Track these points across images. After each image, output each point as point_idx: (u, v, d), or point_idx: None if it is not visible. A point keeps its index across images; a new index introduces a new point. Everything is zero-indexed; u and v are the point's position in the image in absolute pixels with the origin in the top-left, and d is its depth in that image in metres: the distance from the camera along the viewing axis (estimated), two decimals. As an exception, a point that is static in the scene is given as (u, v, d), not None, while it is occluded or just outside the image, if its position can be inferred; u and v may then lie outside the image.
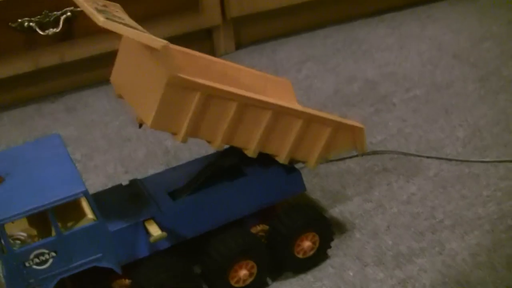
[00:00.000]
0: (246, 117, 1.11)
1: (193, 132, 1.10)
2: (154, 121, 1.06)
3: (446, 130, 1.65)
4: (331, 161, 1.56)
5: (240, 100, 1.09)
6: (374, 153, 1.58)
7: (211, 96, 1.07)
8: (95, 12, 1.02)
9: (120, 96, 1.19)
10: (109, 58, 2.07)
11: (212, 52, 2.23)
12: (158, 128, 1.08)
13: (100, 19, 0.99)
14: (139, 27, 1.12)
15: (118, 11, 1.13)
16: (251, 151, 1.15)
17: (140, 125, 1.21)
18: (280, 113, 1.13)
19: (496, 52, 2.03)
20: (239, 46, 2.26)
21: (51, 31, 1.89)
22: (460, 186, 1.44)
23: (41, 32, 1.88)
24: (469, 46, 2.08)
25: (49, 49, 1.97)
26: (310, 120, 1.16)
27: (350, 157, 1.57)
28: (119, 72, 1.19)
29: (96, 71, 2.10)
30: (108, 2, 1.17)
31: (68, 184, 1.03)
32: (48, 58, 1.99)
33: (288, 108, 1.13)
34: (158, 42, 0.99)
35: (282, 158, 1.18)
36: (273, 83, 1.33)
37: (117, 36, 1.91)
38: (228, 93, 1.08)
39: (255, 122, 1.12)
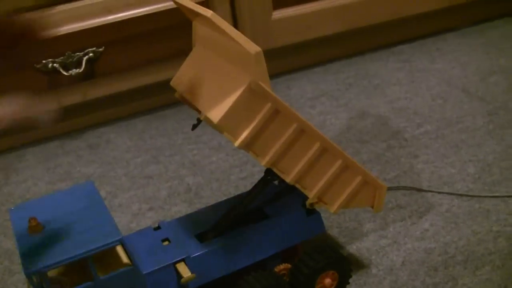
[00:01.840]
0: (298, 142, 1.17)
1: (250, 141, 1.14)
2: (222, 118, 1.10)
3: (456, 165, 1.71)
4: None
5: (299, 123, 1.15)
6: (389, 189, 1.64)
7: (278, 111, 1.13)
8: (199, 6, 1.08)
9: (181, 98, 1.24)
10: (129, 95, 2.15)
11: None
12: (222, 126, 1.11)
13: (208, 11, 1.05)
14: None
15: None
16: (289, 177, 1.20)
17: (194, 127, 1.26)
18: (326, 148, 1.19)
19: (504, 86, 2.09)
20: (254, 81, 2.32)
21: (74, 71, 1.96)
22: (471, 221, 1.50)
23: (64, 73, 1.95)
24: (477, 80, 2.15)
25: (71, 88, 2.04)
26: (347, 164, 1.22)
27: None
28: (184, 76, 1.24)
29: (116, 108, 2.18)
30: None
31: (105, 233, 1.09)
32: (71, 97, 2.06)
33: (333, 146, 1.19)
34: (253, 47, 1.05)
35: (312, 194, 1.24)
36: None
37: (140, 74, 1.98)
38: (292, 113, 1.14)
39: (304, 149, 1.18)
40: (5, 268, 1.56)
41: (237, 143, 1.13)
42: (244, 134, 1.13)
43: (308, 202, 1.24)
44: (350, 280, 1.34)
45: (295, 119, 1.14)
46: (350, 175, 1.24)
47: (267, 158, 1.17)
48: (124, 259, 1.14)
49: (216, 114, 1.11)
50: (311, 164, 1.20)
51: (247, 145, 1.14)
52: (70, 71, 1.96)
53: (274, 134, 1.15)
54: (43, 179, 1.91)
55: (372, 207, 1.31)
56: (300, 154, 1.18)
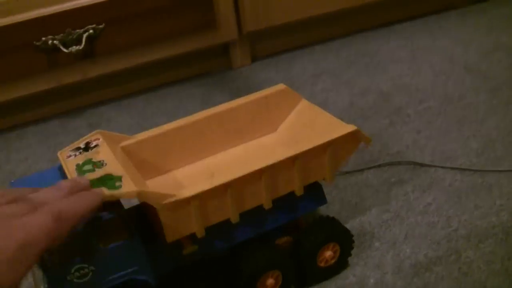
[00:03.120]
0: (244, 189, 1.16)
1: (206, 223, 1.16)
2: (168, 236, 1.13)
3: (459, 141, 1.70)
4: (349, 172, 1.62)
5: (230, 185, 1.13)
6: (391, 164, 1.63)
7: (204, 198, 1.12)
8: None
9: None
10: (129, 74, 2.15)
11: (230, 65, 2.29)
12: (177, 238, 1.14)
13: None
14: (121, 155, 1.21)
15: (99, 145, 1.20)
16: (265, 205, 1.20)
17: None
18: (273, 169, 1.17)
19: (506, 63, 2.08)
20: (254, 59, 2.32)
21: (74, 48, 1.95)
22: (474, 196, 1.50)
23: (64, 50, 1.94)
24: (479, 57, 2.14)
25: (71, 66, 2.03)
26: (303, 158, 1.19)
27: (368, 168, 1.63)
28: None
29: (117, 87, 2.17)
30: (91, 137, 1.24)
31: (105, 204, 1.08)
32: (71, 76, 2.05)
33: (279, 162, 1.16)
34: (131, 193, 1.05)
35: (298, 192, 1.23)
36: (267, 102, 1.38)
37: (140, 52, 1.97)
38: (215, 189, 1.12)
39: (255, 187, 1.17)
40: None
41: (199, 235, 1.16)
42: (197, 227, 1.14)
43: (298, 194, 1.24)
44: (353, 253, 1.33)
45: (223, 188, 1.13)
46: (315, 158, 1.21)
47: (234, 215, 1.17)
48: (126, 231, 1.13)
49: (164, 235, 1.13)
50: (273, 184, 1.19)
51: (208, 225, 1.16)
52: (70, 48, 1.94)
53: (220, 205, 1.15)
54: (44, 158, 1.91)
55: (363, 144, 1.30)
56: (256, 191, 1.17)
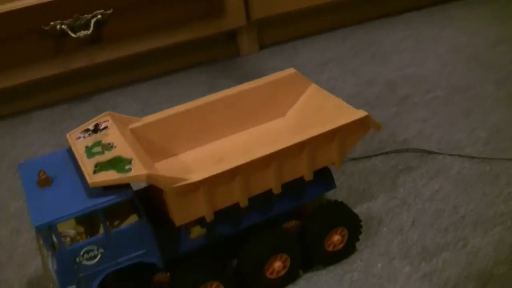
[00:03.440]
0: (253, 174, 1.16)
1: (215, 207, 1.16)
2: (177, 220, 1.13)
3: (466, 130, 1.70)
4: (356, 159, 1.62)
5: (239, 170, 1.13)
6: (398, 151, 1.63)
7: (213, 182, 1.12)
8: (87, 172, 1.09)
9: None
10: (136, 60, 2.14)
11: (237, 53, 2.28)
12: (185, 222, 1.15)
13: (89, 181, 1.06)
14: (130, 137, 1.21)
15: (108, 127, 1.20)
16: (274, 190, 1.20)
17: None
18: (282, 154, 1.17)
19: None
20: (262, 47, 2.32)
21: (82, 33, 1.95)
22: (482, 184, 1.50)
23: (72, 35, 1.93)
24: (486, 48, 2.13)
25: (79, 51, 2.03)
26: (313, 143, 1.19)
27: (376, 155, 1.63)
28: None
29: (124, 73, 2.17)
30: (100, 118, 1.24)
31: (115, 187, 1.08)
32: (78, 61, 2.05)
33: (288, 148, 1.16)
34: (140, 177, 1.06)
35: (307, 177, 1.23)
36: (276, 86, 1.38)
37: (147, 39, 1.97)
38: (225, 173, 1.12)
39: (264, 172, 1.17)
40: (13, 228, 1.56)
41: (208, 219, 1.16)
42: (206, 211, 1.15)
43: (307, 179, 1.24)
44: (360, 239, 1.33)
45: (232, 172, 1.13)
46: (325, 143, 1.21)
47: (243, 200, 1.18)
48: (135, 213, 1.13)
49: (174, 219, 1.14)
50: (282, 168, 1.19)
51: (216, 209, 1.17)
52: (78, 33, 1.94)
53: (229, 189, 1.15)
54: (49, 143, 1.91)
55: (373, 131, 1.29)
56: (264, 176, 1.18)
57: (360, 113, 1.22)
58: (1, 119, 2.08)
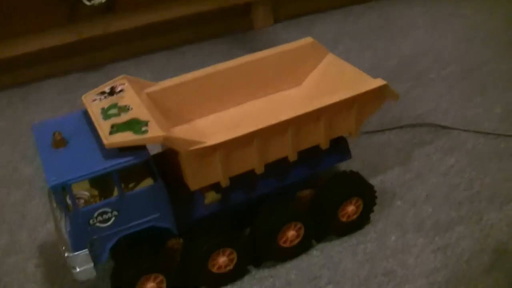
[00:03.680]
0: (270, 140, 1.15)
1: (231, 173, 1.15)
2: (192, 184, 1.12)
3: (482, 106, 1.68)
4: (371, 132, 1.60)
5: (257, 135, 1.12)
6: (413, 126, 1.62)
7: (230, 146, 1.11)
8: (103, 133, 1.08)
9: None
10: (150, 30, 2.13)
11: (251, 26, 2.27)
12: (200, 186, 1.14)
13: (104, 142, 1.05)
14: (146, 101, 1.20)
15: (124, 89, 1.18)
16: (290, 157, 1.19)
17: None
18: (300, 121, 1.16)
19: (530, 32, 2.06)
20: (276, 20, 2.30)
21: (96, 1, 1.93)
22: (497, 159, 1.48)
23: (87, 2, 1.92)
24: (503, 26, 2.11)
25: (93, 20, 2.02)
26: (331, 110, 1.18)
27: (390, 129, 1.61)
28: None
29: (137, 42, 2.15)
30: (116, 81, 1.22)
31: (132, 149, 1.07)
32: (92, 29, 2.04)
33: (306, 114, 1.15)
34: (157, 138, 1.05)
35: (324, 146, 1.22)
36: (293, 55, 1.37)
37: (162, 8, 1.96)
38: (242, 137, 1.11)
39: (281, 138, 1.16)
40: (26, 192, 1.56)
41: (223, 184, 1.15)
42: (221, 176, 1.14)
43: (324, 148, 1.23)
44: (374, 211, 1.32)
45: (249, 137, 1.12)
46: (342, 111, 1.20)
47: (259, 166, 1.17)
48: (150, 177, 1.13)
49: (188, 183, 1.13)
50: (299, 135, 1.17)
51: (232, 175, 1.16)
52: (93, 1, 1.93)
53: (245, 154, 1.14)
54: (62, 110, 1.90)
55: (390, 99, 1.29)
56: (281, 142, 1.17)
57: (379, 82, 1.21)
58: (14, 86, 2.07)
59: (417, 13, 2.26)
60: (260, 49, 1.37)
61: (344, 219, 1.28)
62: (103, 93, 1.19)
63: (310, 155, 1.23)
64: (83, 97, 1.19)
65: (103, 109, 1.14)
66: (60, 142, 1.11)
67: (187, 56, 2.14)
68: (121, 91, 1.18)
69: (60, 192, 1.06)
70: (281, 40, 2.11)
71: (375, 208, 1.33)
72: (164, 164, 1.18)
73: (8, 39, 1.98)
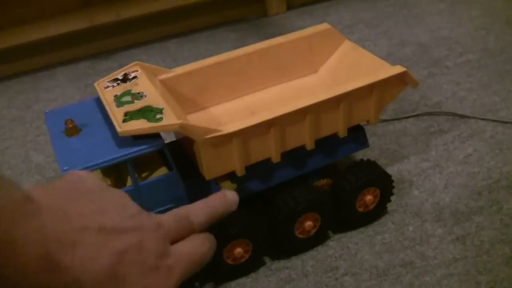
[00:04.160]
0: (287, 128, 1.12)
1: (247, 162, 1.12)
2: (207, 173, 1.10)
3: (500, 94, 1.65)
4: (388, 120, 1.58)
5: (274, 123, 1.10)
6: (430, 114, 1.59)
7: (246, 135, 1.09)
8: (116, 121, 1.05)
9: None
10: (163, 17, 2.11)
11: (265, 13, 2.24)
12: (216, 176, 1.12)
13: (118, 130, 1.02)
14: (160, 88, 1.17)
15: (138, 76, 1.16)
16: (308, 145, 1.17)
17: None
18: (318, 108, 1.13)
19: (549, 19, 2.03)
20: (290, 7, 2.28)
21: (108, -12, 1.92)
22: (516, 148, 1.46)
23: (99, -11, 1.90)
24: (521, 12, 2.08)
25: (105, 6, 2.00)
26: (349, 98, 1.15)
27: (407, 117, 1.59)
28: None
29: (149, 29, 2.14)
30: (129, 68, 1.20)
31: (146, 137, 1.05)
32: (104, 16, 2.02)
33: (325, 101, 1.12)
34: (173, 126, 1.02)
35: (342, 134, 1.20)
36: (309, 41, 1.34)
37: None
38: (259, 125, 1.08)
39: (299, 127, 1.13)
40: (36, 181, 1.54)
41: (239, 174, 1.13)
42: (238, 165, 1.11)
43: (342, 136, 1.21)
44: (392, 201, 1.30)
45: (266, 125, 1.09)
46: (362, 98, 1.17)
47: (275, 155, 1.14)
48: (164, 166, 1.11)
49: (203, 172, 1.11)
50: (317, 124, 1.15)
51: (248, 164, 1.13)
52: (104, -13, 1.91)
53: (262, 142, 1.12)
54: (73, 98, 1.88)
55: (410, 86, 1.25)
56: (299, 130, 1.14)
57: (399, 69, 1.19)
58: (25, 74, 2.06)
59: (434, 0, 2.23)
60: (273, 36, 1.35)
61: (361, 210, 1.25)
62: (116, 80, 1.17)
63: (327, 143, 1.21)
64: (95, 84, 1.17)
65: (116, 96, 1.11)
66: (72, 130, 1.09)
67: (199, 43, 2.11)
68: (134, 77, 1.16)
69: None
70: (295, 27, 2.09)
71: (392, 198, 1.30)
72: (179, 153, 1.16)
73: (20, 26, 1.96)
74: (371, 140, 1.50)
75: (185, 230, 0.95)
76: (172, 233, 0.93)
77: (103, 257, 0.80)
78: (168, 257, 0.89)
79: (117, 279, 0.81)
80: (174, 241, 0.93)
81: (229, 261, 1.17)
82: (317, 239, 1.24)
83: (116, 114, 1.06)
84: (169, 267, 0.88)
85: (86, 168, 1.00)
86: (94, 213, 0.83)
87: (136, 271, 0.84)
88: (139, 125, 1.02)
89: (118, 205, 0.87)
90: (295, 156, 1.18)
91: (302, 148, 1.17)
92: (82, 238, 0.79)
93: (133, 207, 0.90)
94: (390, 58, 1.88)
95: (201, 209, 0.99)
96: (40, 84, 1.98)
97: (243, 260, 1.18)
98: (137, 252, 0.84)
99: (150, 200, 1.08)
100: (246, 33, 2.14)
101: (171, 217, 0.94)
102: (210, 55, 1.29)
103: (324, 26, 1.34)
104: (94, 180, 0.89)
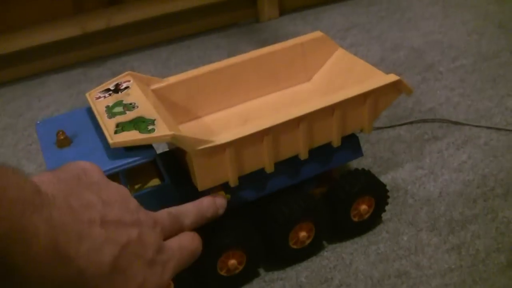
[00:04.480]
0: (281, 137, 1.11)
1: (241, 172, 1.11)
2: (200, 185, 1.08)
3: (494, 100, 1.65)
4: (381, 128, 1.57)
5: (267, 133, 1.08)
6: (424, 121, 1.59)
7: (240, 145, 1.07)
8: (107, 132, 1.04)
9: None
10: (154, 23, 2.10)
11: (257, 18, 2.24)
12: (209, 187, 1.10)
13: (110, 142, 1.01)
14: (153, 98, 1.15)
15: (130, 86, 1.15)
16: (302, 155, 1.16)
17: None
18: (312, 117, 1.12)
19: (542, 22, 2.02)
20: (282, 12, 2.27)
21: (100, -6, 1.91)
22: (511, 155, 1.45)
23: (90, -4, 1.90)
24: (514, 16, 2.08)
25: (96, 13, 1.99)
26: (343, 106, 1.14)
27: (401, 125, 1.58)
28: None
29: (140, 36, 2.13)
30: (121, 78, 1.19)
31: (138, 148, 1.04)
32: (95, 23, 2.01)
33: (318, 110, 1.11)
34: (165, 137, 1.01)
35: (335, 143, 1.19)
36: (302, 49, 1.33)
37: (165, 0, 1.93)
38: (252, 135, 1.07)
39: (292, 136, 1.12)
40: (28, 190, 1.52)
41: (232, 184, 1.11)
42: (231, 176, 1.10)
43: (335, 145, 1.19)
44: (386, 210, 1.29)
45: (259, 135, 1.08)
46: (356, 106, 1.16)
47: (269, 165, 1.13)
48: (157, 177, 1.10)
49: (196, 183, 1.09)
50: (310, 133, 1.14)
51: (242, 174, 1.12)
52: (96, -6, 1.90)
53: (255, 152, 1.10)
54: (65, 105, 1.87)
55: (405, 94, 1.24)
56: (293, 139, 1.13)
57: (393, 77, 1.18)
58: (17, 81, 2.04)
59: (427, 4, 2.23)
60: (266, 42, 1.34)
61: (355, 219, 1.24)
62: (107, 90, 1.16)
63: (320, 152, 1.20)
64: (87, 95, 1.16)
65: (108, 107, 1.10)
66: (64, 142, 1.08)
67: (192, 49, 2.10)
68: (126, 88, 1.15)
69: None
70: (287, 33, 2.09)
71: (387, 207, 1.29)
72: (172, 162, 1.15)
73: (11, 33, 1.95)
74: (364, 147, 1.49)
75: (176, 229, 0.96)
76: (166, 230, 0.93)
77: (107, 249, 0.80)
78: (163, 253, 0.89)
79: (118, 272, 0.81)
80: (165, 238, 0.93)
81: (223, 273, 1.15)
82: (312, 249, 1.23)
83: (108, 125, 1.05)
84: (164, 262, 0.89)
85: (77, 182, 0.99)
86: (98, 206, 0.83)
87: (136, 264, 0.84)
88: (131, 136, 1.01)
89: (120, 199, 0.87)
90: (288, 165, 1.17)
91: (295, 157, 1.16)
92: (88, 230, 0.79)
93: (133, 202, 0.90)
94: (383, 63, 1.87)
95: (191, 211, 0.99)
96: (31, 92, 1.97)
97: (236, 271, 1.17)
98: (137, 245, 0.84)
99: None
100: (238, 39, 2.13)
101: (165, 215, 0.95)
102: (202, 61, 1.29)
103: (317, 34, 1.34)
104: (96, 172, 0.89)
